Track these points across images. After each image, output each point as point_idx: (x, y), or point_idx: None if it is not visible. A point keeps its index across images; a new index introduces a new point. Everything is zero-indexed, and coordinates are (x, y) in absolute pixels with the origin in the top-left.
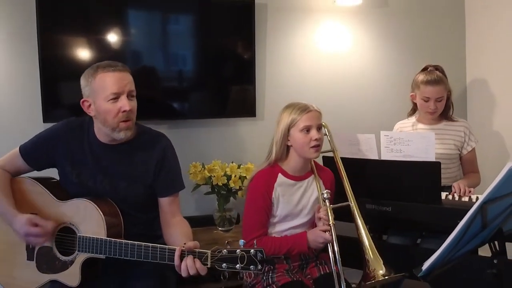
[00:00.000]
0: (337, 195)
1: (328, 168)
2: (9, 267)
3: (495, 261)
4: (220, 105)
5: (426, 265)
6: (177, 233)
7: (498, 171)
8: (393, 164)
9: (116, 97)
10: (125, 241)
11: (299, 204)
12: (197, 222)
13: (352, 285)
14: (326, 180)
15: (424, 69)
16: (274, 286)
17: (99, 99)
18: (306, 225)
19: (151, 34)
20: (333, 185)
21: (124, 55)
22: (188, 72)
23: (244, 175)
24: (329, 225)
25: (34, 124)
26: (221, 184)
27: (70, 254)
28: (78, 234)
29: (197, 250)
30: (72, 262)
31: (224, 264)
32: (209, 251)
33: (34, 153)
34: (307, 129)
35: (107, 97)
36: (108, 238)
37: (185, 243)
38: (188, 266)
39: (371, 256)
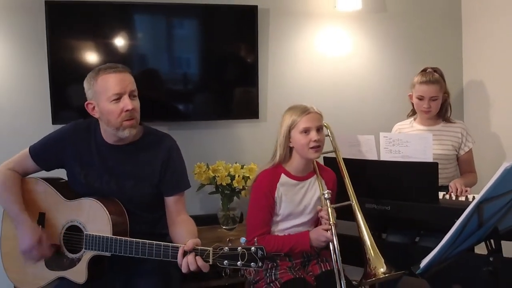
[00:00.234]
0: (338, 194)
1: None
2: (19, 264)
3: (491, 259)
4: (224, 107)
5: (424, 262)
6: (183, 231)
7: (494, 171)
8: (392, 165)
9: (118, 98)
10: (130, 239)
11: (301, 204)
12: (202, 221)
13: (353, 282)
14: (328, 180)
15: (423, 71)
16: (277, 282)
17: (102, 100)
18: (308, 223)
19: (157, 38)
20: (335, 185)
21: (131, 59)
22: (192, 75)
23: (247, 175)
24: (329, 224)
25: (43, 126)
26: (225, 184)
27: (77, 251)
28: (85, 233)
29: (199, 247)
30: (79, 259)
31: (226, 261)
32: (210, 248)
33: (43, 154)
34: (307, 131)
35: (110, 98)
36: (114, 236)
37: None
38: (189, 262)
39: (372, 255)
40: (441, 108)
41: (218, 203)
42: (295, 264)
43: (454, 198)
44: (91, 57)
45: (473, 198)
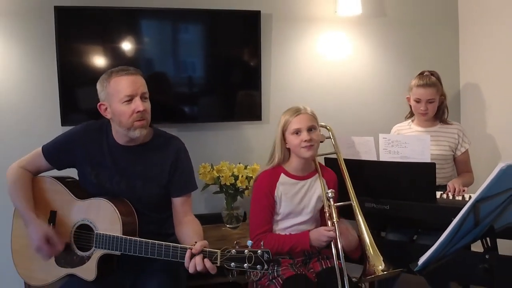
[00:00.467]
0: (339, 194)
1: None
2: (29, 260)
3: (487, 257)
4: (228, 110)
5: (422, 260)
6: (189, 232)
7: (490, 171)
8: (390, 165)
9: (130, 99)
10: (140, 239)
11: (301, 203)
12: (206, 220)
13: (353, 279)
14: (329, 180)
15: (420, 74)
16: (279, 279)
17: (114, 102)
18: (308, 222)
19: (163, 42)
20: (336, 186)
21: (138, 62)
22: (197, 78)
23: (251, 175)
24: (333, 223)
25: (53, 127)
26: (229, 184)
27: (87, 250)
28: (95, 231)
29: (207, 249)
30: (89, 257)
31: (233, 263)
32: (219, 251)
33: (56, 153)
34: (298, 132)
35: (122, 99)
36: (123, 236)
37: (195, 242)
38: (196, 263)
39: (372, 253)
40: (438, 110)
41: (222, 202)
42: (296, 261)
43: (451, 197)
44: (99, 61)
45: (470, 197)
